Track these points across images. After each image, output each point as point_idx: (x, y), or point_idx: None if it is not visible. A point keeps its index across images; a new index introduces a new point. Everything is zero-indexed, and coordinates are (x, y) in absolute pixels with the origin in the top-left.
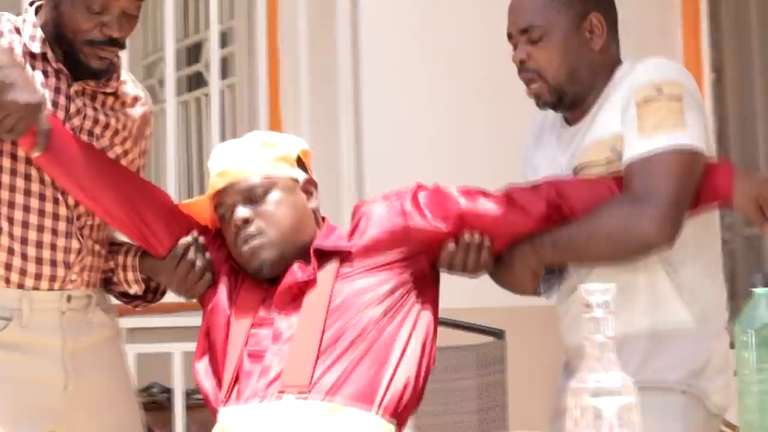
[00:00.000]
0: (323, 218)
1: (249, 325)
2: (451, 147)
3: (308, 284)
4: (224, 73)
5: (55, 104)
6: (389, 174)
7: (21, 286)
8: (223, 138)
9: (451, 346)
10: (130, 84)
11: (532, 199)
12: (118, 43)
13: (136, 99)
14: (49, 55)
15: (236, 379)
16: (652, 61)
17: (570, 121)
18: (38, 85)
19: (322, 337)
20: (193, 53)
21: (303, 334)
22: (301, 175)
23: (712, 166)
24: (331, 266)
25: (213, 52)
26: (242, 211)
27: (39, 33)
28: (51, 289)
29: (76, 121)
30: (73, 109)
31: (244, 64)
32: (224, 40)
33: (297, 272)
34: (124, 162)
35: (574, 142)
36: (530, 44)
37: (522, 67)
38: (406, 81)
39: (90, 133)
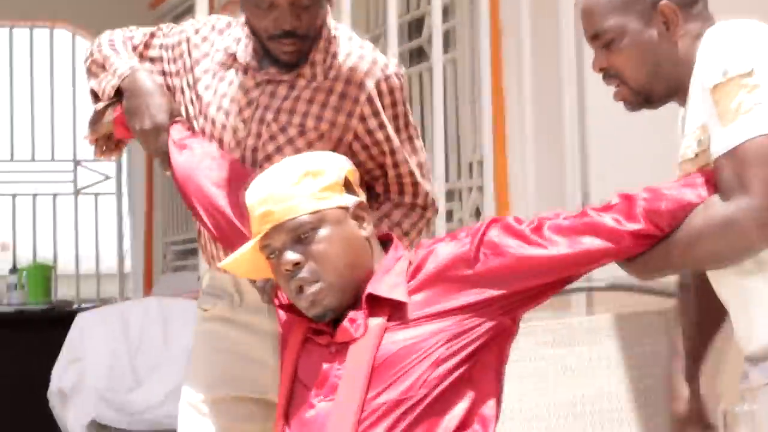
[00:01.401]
0: (386, 238)
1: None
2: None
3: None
4: (446, 46)
5: (232, 100)
6: (613, 150)
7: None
8: (445, 113)
9: (640, 312)
10: (351, 58)
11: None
12: (297, 35)
13: (347, 79)
14: (238, 53)
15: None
16: (713, 34)
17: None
18: (189, 97)
19: (363, 403)
20: (414, 27)
21: (343, 399)
22: (351, 200)
23: None
24: (382, 316)
25: (435, 26)
26: (291, 255)
27: (239, 32)
28: None
29: (246, 113)
30: (244, 102)
31: (466, 37)
32: (446, 13)
33: (349, 329)
34: (303, 140)
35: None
36: (605, 49)
37: (604, 74)
38: None
39: (261, 121)
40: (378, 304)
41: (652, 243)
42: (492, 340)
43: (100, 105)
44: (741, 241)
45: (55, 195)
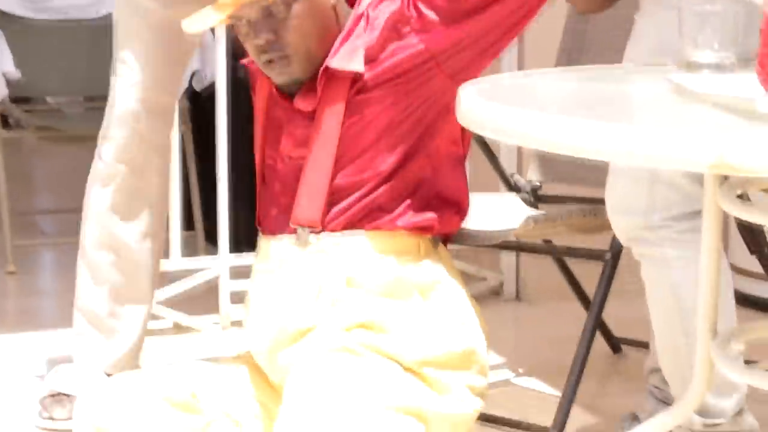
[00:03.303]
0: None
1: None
2: None
3: (316, 111)
4: None
5: None
6: None
7: None
8: None
9: None
10: None
11: None
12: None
13: None
14: None
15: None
16: None
17: None
18: None
19: (333, 172)
20: None
21: (312, 168)
22: None
23: None
24: (342, 87)
25: None
26: (265, 34)
27: None
28: None
29: None
30: None
31: None
32: None
33: (300, 104)
34: None
35: None
36: None
37: None
38: None
39: None
40: (337, 74)
41: None
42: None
43: None
44: None
45: None
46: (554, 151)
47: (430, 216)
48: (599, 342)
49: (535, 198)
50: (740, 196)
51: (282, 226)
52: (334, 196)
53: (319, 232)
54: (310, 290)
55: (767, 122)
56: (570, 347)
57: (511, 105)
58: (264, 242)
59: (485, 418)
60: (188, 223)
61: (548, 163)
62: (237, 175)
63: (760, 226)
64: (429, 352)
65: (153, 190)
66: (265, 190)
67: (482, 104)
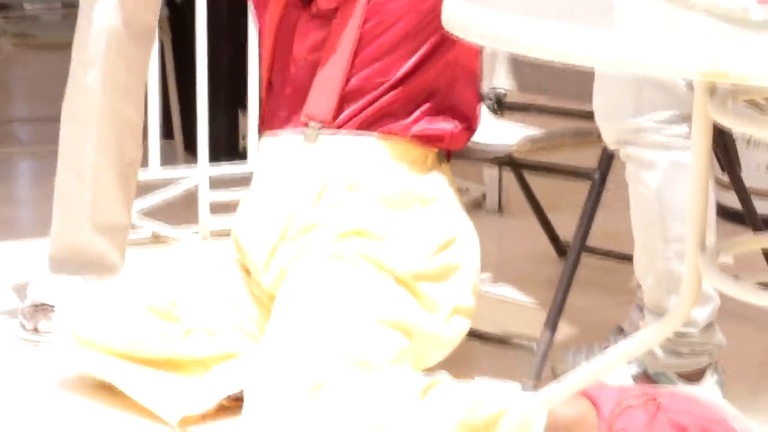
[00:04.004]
0: None
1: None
2: None
3: (337, 11)
4: None
5: None
6: None
7: None
8: None
9: None
10: None
11: None
12: None
13: None
14: None
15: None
16: None
17: None
18: None
19: (349, 72)
20: None
21: (328, 65)
22: None
23: None
24: None
25: None
26: None
27: None
28: None
29: None
30: None
31: None
32: None
33: (323, 2)
34: None
35: None
36: None
37: None
38: None
39: None
40: None
41: None
42: None
43: None
44: None
45: None
46: (542, 57)
47: (443, 126)
48: (585, 255)
49: (500, 106)
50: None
51: (292, 124)
52: (347, 97)
53: (329, 128)
54: (313, 188)
55: (760, 30)
56: (550, 260)
57: (497, 10)
58: (269, 140)
59: (471, 333)
60: (167, 132)
61: (517, 71)
62: (216, 83)
63: (734, 143)
64: (423, 264)
65: (136, 114)
66: (273, 96)
67: (467, 8)
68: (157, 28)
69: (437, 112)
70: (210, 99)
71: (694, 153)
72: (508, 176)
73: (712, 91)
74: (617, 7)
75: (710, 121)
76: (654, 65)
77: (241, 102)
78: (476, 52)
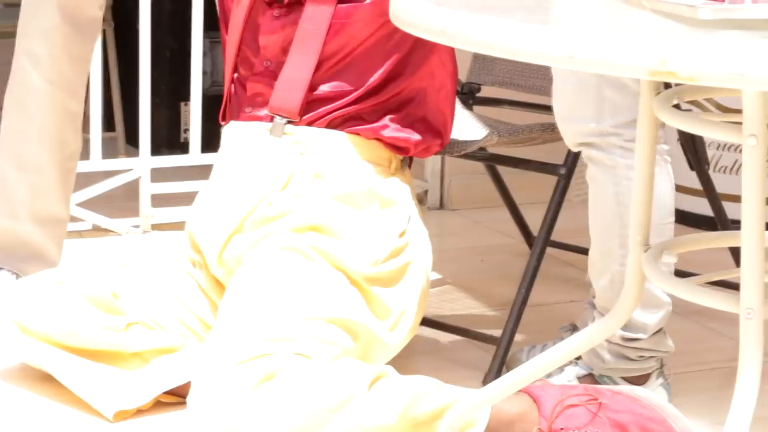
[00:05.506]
0: None
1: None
2: None
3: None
4: None
5: None
6: None
7: None
8: None
9: None
10: None
11: None
12: None
13: None
14: None
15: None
16: None
17: None
18: None
19: (316, 75)
20: None
21: (294, 62)
22: None
23: None
24: None
25: None
26: None
27: None
28: None
29: None
30: None
31: None
32: None
33: None
34: None
35: None
36: None
37: None
38: None
39: None
40: None
41: None
42: None
43: None
44: None
45: None
46: (493, 54)
47: (411, 137)
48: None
49: (473, 100)
50: (675, 107)
51: (258, 119)
52: (316, 102)
53: (296, 124)
54: (277, 180)
55: (709, 30)
56: (494, 256)
57: (447, 6)
58: (232, 128)
59: (434, 324)
60: (109, 125)
61: (487, 66)
62: (158, 75)
63: (703, 143)
64: (376, 268)
65: (78, 106)
66: (236, 96)
67: (416, 3)
68: (101, 21)
69: (407, 123)
70: (152, 91)
71: (639, 151)
72: (450, 172)
73: (657, 89)
74: (567, 5)
75: (655, 119)
76: (603, 63)
77: (184, 94)
78: (454, 67)
